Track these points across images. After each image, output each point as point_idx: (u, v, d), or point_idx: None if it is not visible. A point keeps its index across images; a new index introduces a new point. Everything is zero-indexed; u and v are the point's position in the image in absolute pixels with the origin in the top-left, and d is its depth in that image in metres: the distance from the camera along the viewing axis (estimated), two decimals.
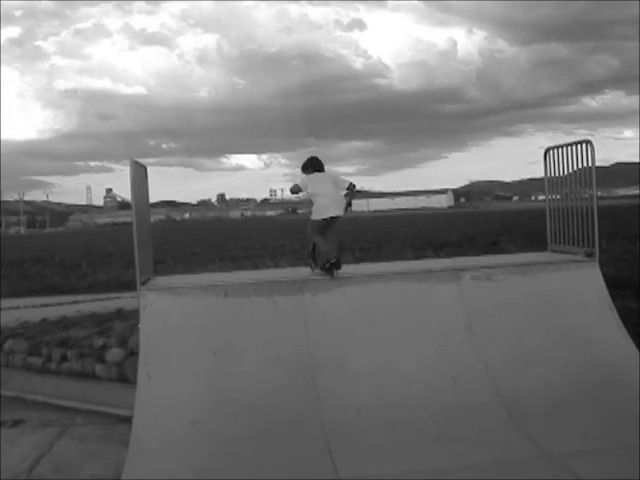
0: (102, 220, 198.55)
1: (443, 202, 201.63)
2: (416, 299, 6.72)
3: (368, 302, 6.66)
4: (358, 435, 5.64)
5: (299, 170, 7.53)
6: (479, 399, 6.04)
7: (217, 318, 6.43)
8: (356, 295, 6.71)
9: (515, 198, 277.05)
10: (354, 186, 7.33)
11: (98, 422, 7.50)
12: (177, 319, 6.37)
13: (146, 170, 7.14)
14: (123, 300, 12.85)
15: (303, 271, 7.50)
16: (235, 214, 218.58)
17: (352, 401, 5.96)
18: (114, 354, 8.71)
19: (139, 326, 6.41)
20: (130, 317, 9.95)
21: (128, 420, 6.08)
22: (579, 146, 7.22)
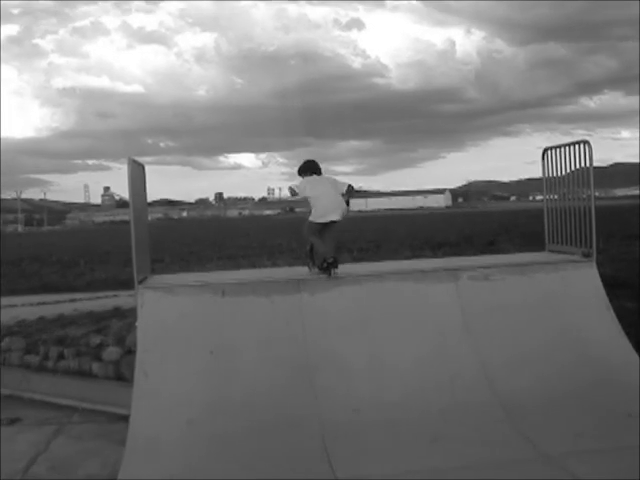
0: (100, 218, 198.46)
1: (441, 202, 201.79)
2: (413, 299, 6.72)
3: (365, 302, 6.66)
4: (355, 435, 5.64)
5: (296, 171, 7.47)
6: (476, 399, 6.04)
7: (214, 317, 6.42)
8: (353, 295, 6.70)
9: (513, 198, 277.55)
10: (352, 188, 7.31)
11: (95, 420, 7.49)
12: (174, 318, 6.36)
13: (144, 169, 7.12)
14: (120, 298, 12.85)
15: (300, 270, 7.49)
16: (233, 213, 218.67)
17: (349, 401, 5.96)
18: (111, 352, 8.70)
19: (136, 324, 6.40)
20: (127, 315, 9.94)
21: (125, 419, 6.07)
22: (577, 146, 7.23)
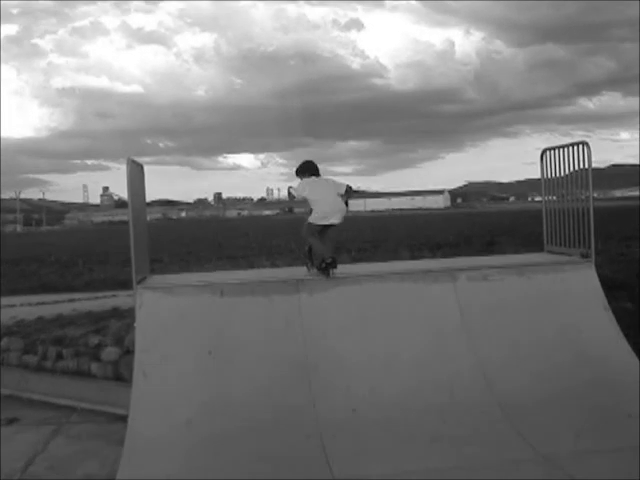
0: (98, 218, 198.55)
1: (440, 202, 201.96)
2: (412, 299, 6.72)
3: (364, 302, 6.66)
4: (354, 435, 5.64)
5: (294, 172, 7.43)
6: (475, 399, 6.04)
7: (213, 317, 6.43)
8: (352, 295, 6.71)
9: (512, 199, 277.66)
10: (351, 188, 7.29)
11: (93, 420, 7.50)
12: (173, 318, 6.36)
13: (143, 169, 7.12)
14: (119, 299, 12.86)
15: (299, 271, 7.48)
16: (232, 213, 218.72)
17: (348, 401, 5.97)
18: (110, 353, 8.70)
19: (135, 325, 6.40)
20: (126, 316, 9.94)
21: (123, 419, 6.07)
22: (576, 147, 7.23)
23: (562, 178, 7.63)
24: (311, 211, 7.10)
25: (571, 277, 7.07)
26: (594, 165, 7.16)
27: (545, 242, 8.18)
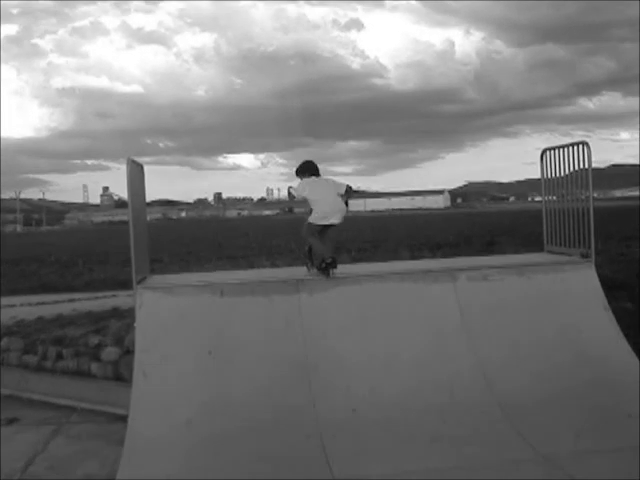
0: (98, 218, 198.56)
1: (440, 202, 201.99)
2: (412, 299, 6.72)
3: (364, 302, 6.66)
4: (354, 435, 5.64)
5: (294, 171, 7.42)
6: (475, 399, 6.04)
7: (213, 317, 6.43)
8: (352, 295, 6.71)
9: (512, 199, 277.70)
10: (351, 188, 7.29)
11: (93, 420, 7.50)
12: (173, 318, 6.36)
13: (143, 169, 7.12)
14: (119, 299, 12.85)
15: (299, 271, 7.48)
16: (232, 213, 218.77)
17: (348, 401, 5.97)
18: (110, 353, 8.70)
19: (135, 325, 6.40)
20: (126, 316, 9.94)
21: (123, 419, 6.07)
22: (576, 147, 7.23)
23: (562, 178, 7.62)
24: (311, 211, 7.10)
25: (571, 277, 7.07)
26: (594, 165, 7.17)
27: (545, 242, 8.18)
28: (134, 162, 6.65)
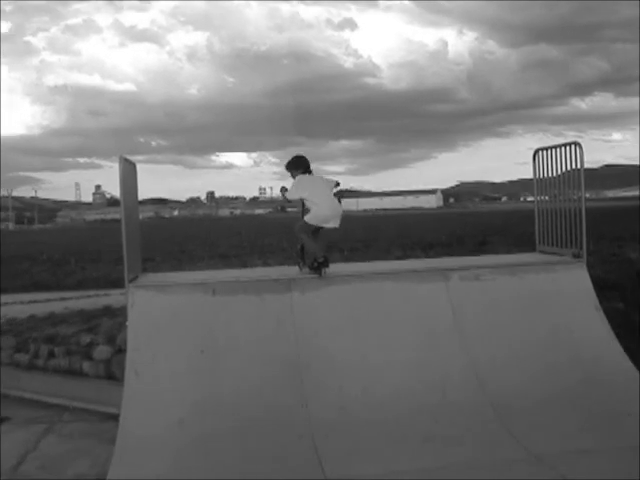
0: (91, 217, 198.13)
1: (432, 202, 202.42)
2: (404, 298, 6.72)
3: (356, 301, 6.65)
4: (345, 434, 5.64)
5: (285, 166, 7.21)
6: (467, 399, 6.05)
7: (205, 316, 6.41)
8: (344, 294, 6.70)
9: (504, 199, 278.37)
10: (339, 184, 7.16)
11: (85, 419, 7.47)
12: (165, 317, 6.35)
13: (135, 167, 7.10)
14: (111, 297, 12.83)
15: (291, 270, 7.47)
16: (224, 212, 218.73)
17: (339, 400, 5.96)
18: (101, 351, 8.68)
19: (127, 323, 6.38)
20: (118, 314, 9.92)
21: (115, 418, 6.05)
22: (568, 148, 7.24)
23: (554, 178, 7.64)
24: (304, 210, 7.03)
25: (563, 277, 7.08)
26: (586, 165, 7.19)
27: (537, 242, 8.19)
28: (126, 160, 6.63)
